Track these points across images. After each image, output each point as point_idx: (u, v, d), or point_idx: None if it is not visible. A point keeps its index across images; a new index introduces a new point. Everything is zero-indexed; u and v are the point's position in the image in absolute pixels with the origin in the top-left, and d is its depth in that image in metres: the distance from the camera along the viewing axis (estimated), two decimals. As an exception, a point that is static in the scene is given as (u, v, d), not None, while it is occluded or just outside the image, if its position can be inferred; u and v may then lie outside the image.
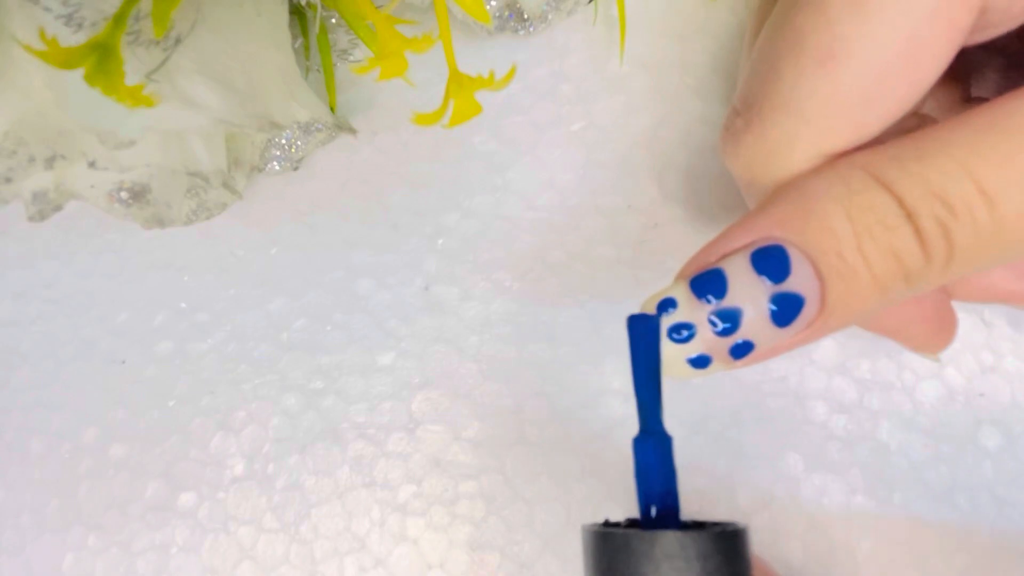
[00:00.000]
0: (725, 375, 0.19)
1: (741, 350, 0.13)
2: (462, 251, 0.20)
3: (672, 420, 0.19)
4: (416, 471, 0.19)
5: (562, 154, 0.20)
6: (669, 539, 0.12)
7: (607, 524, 0.13)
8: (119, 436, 0.20)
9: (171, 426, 0.20)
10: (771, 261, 0.13)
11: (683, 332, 0.13)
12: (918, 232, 0.12)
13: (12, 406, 0.20)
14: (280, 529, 0.19)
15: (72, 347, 0.20)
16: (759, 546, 0.18)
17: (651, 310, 0.14)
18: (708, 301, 0.13)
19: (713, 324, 0.13)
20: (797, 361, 0.19)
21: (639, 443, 0.13)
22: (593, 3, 0.20)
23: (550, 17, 0.19)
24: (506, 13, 0.19)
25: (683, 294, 0.13)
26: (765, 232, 0.13)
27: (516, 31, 0.19)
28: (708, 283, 0.13)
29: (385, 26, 0.15)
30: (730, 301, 0.13)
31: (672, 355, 0.13)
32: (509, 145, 0.20)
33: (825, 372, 0.19)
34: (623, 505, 0.19)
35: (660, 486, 0.13)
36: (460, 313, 0.20)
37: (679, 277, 0.14)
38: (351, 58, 0.20)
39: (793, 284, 0.13)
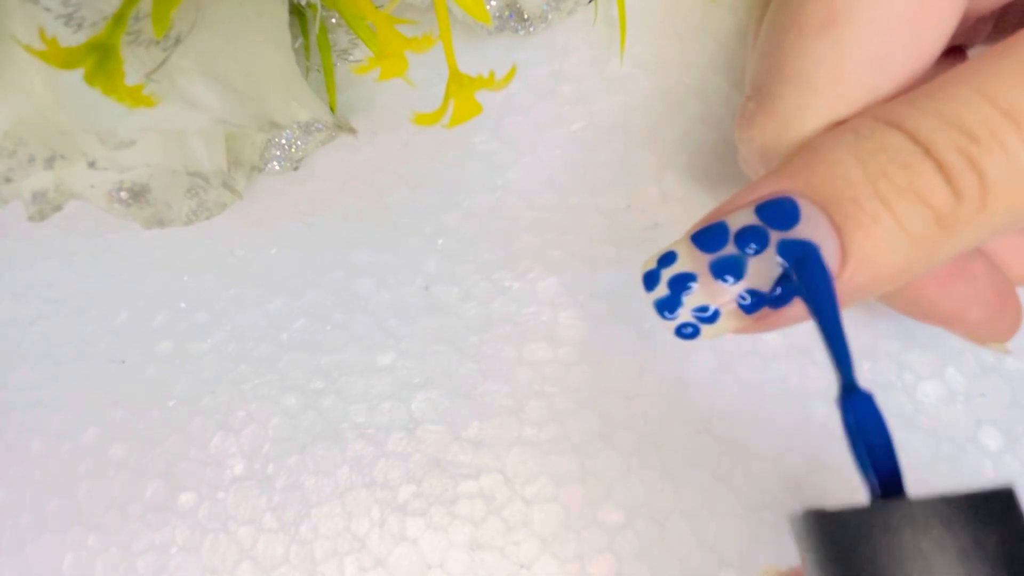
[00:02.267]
0: (727, 375, 0.19)
1: (751, 306, 0.12)
2: (462, 251, 0.20)
3: (674, 420, 0.19)
4: (416, 471, 0.19)
5: (562, 154, 0.20)
6: (935, 506, 0.09)
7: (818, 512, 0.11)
8: (119, 436, 0.20)
9: (171, 426, 0.20)
10: (777, 211, 0.12)
11: (686, 284, 0.12)
12: (941, 166, 0.11)
13: (12, 406, 0.20)
14: (280, 529, 0.19)
15: (72, 347, 0.20)
16: (761, 545, 0.18)
17: (652, 265, 0.13)
18: (709, 250, 0.12)
19: (714, 272, 0.12)
20: (798, 361, 0.19)
21: (850, 402, 0.11)
22: (593, 3, 0.20)
23: (550, 17, 0.19)
24: (506, 13, 0.19)
25: (684, 247, 0.13)
26: (774, 187, 0.12)
27: (516, 31, 0.19)
28: (709, 235, 0.12)
29: (385, 26, 0.15)
30: (731, 248, 0.12)
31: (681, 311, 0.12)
32: (509, 145, 0.20)
33: (826, 372, 0.19)
34: (623, 505, 0.19)
35: (882, 447, 0.11)
36: (460, 313, 0.20)
37: (684, 235, 0.13)
38: (351, 58, 0.20)
39: (803, 232, 0.11)
